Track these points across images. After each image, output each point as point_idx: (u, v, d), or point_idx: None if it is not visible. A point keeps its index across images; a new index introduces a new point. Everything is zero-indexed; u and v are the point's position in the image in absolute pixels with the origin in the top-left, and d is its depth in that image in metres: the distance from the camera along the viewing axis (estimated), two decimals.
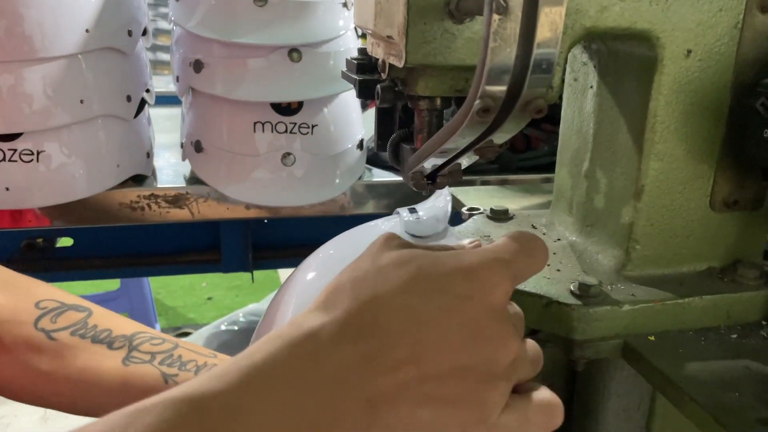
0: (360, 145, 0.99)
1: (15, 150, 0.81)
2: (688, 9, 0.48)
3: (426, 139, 0.53)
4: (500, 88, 0.38)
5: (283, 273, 3.02)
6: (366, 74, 0.58)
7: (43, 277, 1.25)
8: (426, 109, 0.52)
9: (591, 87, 0.57)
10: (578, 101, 0.60)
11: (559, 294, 0.51)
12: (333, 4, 0.86)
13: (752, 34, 0.50)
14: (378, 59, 0.53)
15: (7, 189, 0.80)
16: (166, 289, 3.08)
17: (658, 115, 0.50)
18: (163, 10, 3.97)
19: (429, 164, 0.52)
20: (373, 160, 1.07)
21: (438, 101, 0.52)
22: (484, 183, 1.03)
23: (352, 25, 0.90)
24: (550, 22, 0.36)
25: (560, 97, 0.64)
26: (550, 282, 0.53)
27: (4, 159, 0.81)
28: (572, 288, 0.51)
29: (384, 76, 0.53)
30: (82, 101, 0.83)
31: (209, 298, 3.09)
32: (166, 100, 1.23)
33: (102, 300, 2.60)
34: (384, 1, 0.48)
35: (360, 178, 0.99)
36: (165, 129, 1.16)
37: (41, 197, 0.83)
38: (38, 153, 0.82)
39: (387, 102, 0.53)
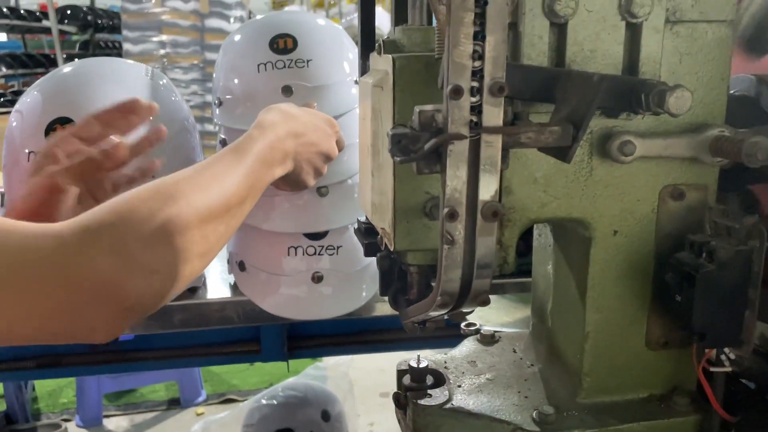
0: None
1: None
2: (612, 201, 0.62)
3: (417, 294, 0.68)
4: (453, 289, 0.53)
5: None
6: (371, 237, 0.74)
7: (106, 368, 1.41)
8: (415, 272, 0.67)
9: (550, 245, 0.72)
10: (542, 253, 0.74)
11: (523, 421, 0.65)
12: (354, 146, 1.03)
13: (667, 216, 0.63)
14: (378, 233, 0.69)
15: None
16: None
17: (595, 278, 0.64)
18: (209, 84, 4.28)
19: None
20: None
21: (425, 264, 0.68)
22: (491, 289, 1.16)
23: None
24: (485, 247, 0.51)
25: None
26: (518, 408, 0.67)
27: None
28: (534, 416, 0.65)
29: (383, 248, 0.68)
30: None
31: (251, 364, 3.25)
32: None
33: (153, 368, 2.79)
34: (378, 203, 0.64)
35: None
36: None
37: None
38: None
39: (384, 268, 0.68)
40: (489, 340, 0.81)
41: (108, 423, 2.72)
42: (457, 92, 0.46)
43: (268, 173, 0.79)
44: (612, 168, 0.61)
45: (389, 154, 0.53)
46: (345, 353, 1.50)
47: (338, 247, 1.05)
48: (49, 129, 0.96)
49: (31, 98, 1.01)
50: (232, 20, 4.45)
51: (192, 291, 1.13)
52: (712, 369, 0.63)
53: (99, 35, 6.64)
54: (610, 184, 0.62)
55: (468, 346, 0.81)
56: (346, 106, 1.04)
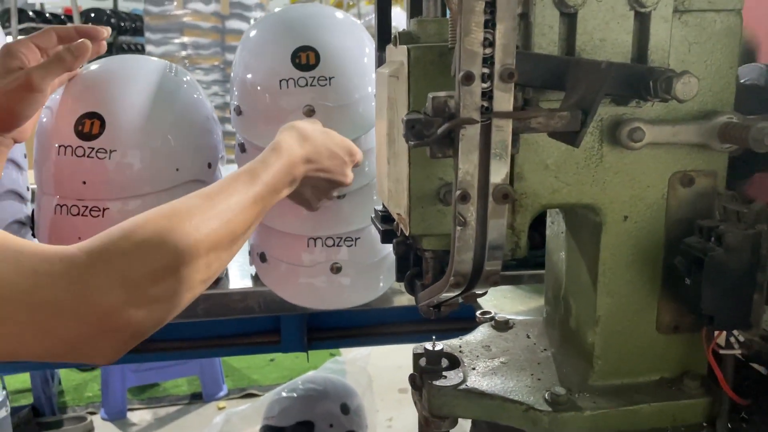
0: None
1: None
2: (622, 187, 0.64)
3: (431, 278, 0.70)
4: (466, 270, 0.54)
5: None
6: (387, 224, 0.76)
7: (131, 358, 1.45)
8: (430, 257, 0.69)
9: (562, 232, 0.73)
10: (555, 240, 0.76)
11: (536, 401, 0.66)
12: (374, 150, 1.05)
13: (677, 202, 0.65)
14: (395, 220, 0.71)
15: None
16: None
17: (606, 264, 0.66)
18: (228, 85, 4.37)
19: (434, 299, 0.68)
20: None
21: (439, 250, 0.70)
22: (507, 279, 1.17)
23: None
24: (497, 229, 0.53)
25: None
26: (531, 390, 0.68)
27: None
28: (546, 396, 0.66)
29: (399, 234, 0.70)
30: None
31: (271, 360, 3.29)
32: None
33: (175, 364, 2.84)
34: (394, 190, 0.66)
35: None
36: None
37: None
38: None
39: (400, 253, 0.71)
40: (503, 326, 0.83)
41: (132, 416, 2.77)
42: (468, 78, 0.48)
43: (275, 197, 0.80)
44: (622, 154, 0.63)
45: (404, 141, 0.55)
46: (363, 345, 1.53)
47: (356, 239, 1.07)
48: (79, 124, 0.99)
49: (60, 95, 1.05)
50: (252, 21, 4.51)
51: (215, 282, 1.16)
52: (721, 351, 0.64)
53: (122, 38, 6.74)
54: (620, 171, 0.63)
55: (482, 331, 0.82)
56: (369, 124, 1.04)
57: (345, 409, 1.92)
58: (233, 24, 4.49)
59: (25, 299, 0.56)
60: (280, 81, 1.01)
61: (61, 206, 1.00)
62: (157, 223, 0.62)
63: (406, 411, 2.73)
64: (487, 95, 0.49)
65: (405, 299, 1.21)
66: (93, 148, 0.98)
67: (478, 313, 0.90)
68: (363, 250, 1.08)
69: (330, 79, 1.00)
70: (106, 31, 0.96)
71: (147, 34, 4.50)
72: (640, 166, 0.63)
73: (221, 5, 4.47)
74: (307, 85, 0.99)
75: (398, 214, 0.66)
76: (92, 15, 6.58)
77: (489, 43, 0.48)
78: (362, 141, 1.03)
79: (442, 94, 0.50)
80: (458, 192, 0.51)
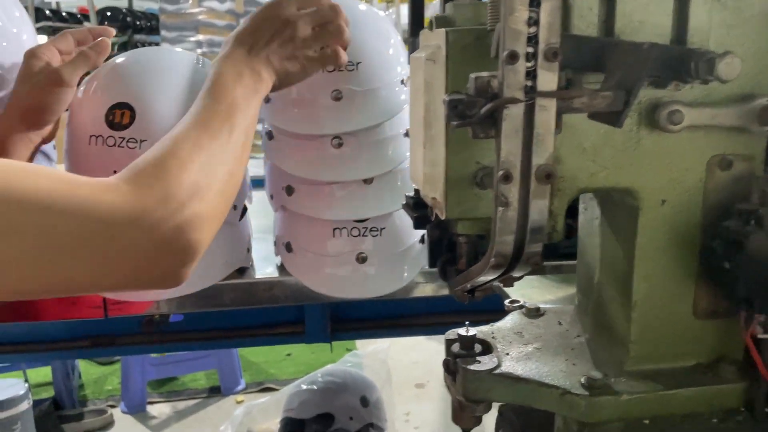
0: (422, 240, 1.16)
1: None
2: (660, 171, 0.64)
3: (465, 263, 0.70)
4: (507, 251, 0.55)
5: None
6: (420, 210, 0.76)
7: (161, 348, 1.46)
8: (464, 242, 0.69)
9: (596, 218, 0.73)
10: (588, 226, 0.76)
11: (572, 386, 0.66)
12: (399, 136, 1.05)
13: (715, 186, 0.64)
14: (429, 205, 0.71)
15: None
16: None
17: (643, 248, 0.66)
18: None
19: (469, 284, 0.69)
20: None
21: (473, 235, 0.70)
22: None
23: None
24: (539, 210, 0.53)
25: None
26: (566, 375, 0.68)
27: None
28: (582, 381, 0.66)
29: (432, 218, 0.71)
30: None
31: (288, 354, 3.31)
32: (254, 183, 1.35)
33: (194, 358, 2.87)
34: (429, 173, 0.66)
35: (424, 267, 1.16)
36: (254, 213, 1.34)
37: (161, 294, 1.07)
38: None
39: (433, 238, 0.71)
40: (534, 313, 0.82)
41: (151, 409, 2.80)
42: (513, 57, 0.48)
43: (254, 99, 0.82)
44: (660, 138, 0.63)
45: (442, 124, 0.55)
46: (385, 336, 1.53)
47: (381, 229, 1.08)
48: (109, 114, 1.00)
49: (89, 87, 1.06)
50: None
51: (240, 272, 1.17)
52: (760, 336, 0.64)
53: (137, 36, 6.80)
54: (658, 154, 0.63)
55: (513, 318, 0.82)
56: (395, 110, 1.05)
57: (365, 401, 1.93)
58: None
59: (86, 236, 0.60)
60: None
61: None
62: (159, 152, 0.68)
63: (423, 406, 2.74)
64: (531, 75, 0.49)
65: (429, 290, 1.21)
66: (123, 138, 0.99)
67: (506, 301, 0.90)
68: (388, 240, 1.08)
69: (357, 64, 1.01)
70: (113, 31, 1.07)
71: (162, 33, 4.53)
72: (678, 150, 0.63)
73: (236, 3, 4.49)
74: (335, 70, 1.00)
75: (433, 198, 0.67)
76: (108, 14, 6.63)
77: (533, 21, 0.48)
78: (387, 126, 1.04)
79: (484, 74, 0.51)
80: (501, 172, 0.51)
